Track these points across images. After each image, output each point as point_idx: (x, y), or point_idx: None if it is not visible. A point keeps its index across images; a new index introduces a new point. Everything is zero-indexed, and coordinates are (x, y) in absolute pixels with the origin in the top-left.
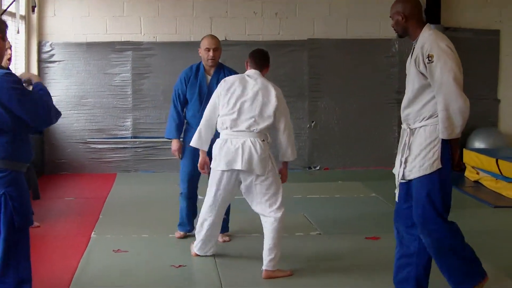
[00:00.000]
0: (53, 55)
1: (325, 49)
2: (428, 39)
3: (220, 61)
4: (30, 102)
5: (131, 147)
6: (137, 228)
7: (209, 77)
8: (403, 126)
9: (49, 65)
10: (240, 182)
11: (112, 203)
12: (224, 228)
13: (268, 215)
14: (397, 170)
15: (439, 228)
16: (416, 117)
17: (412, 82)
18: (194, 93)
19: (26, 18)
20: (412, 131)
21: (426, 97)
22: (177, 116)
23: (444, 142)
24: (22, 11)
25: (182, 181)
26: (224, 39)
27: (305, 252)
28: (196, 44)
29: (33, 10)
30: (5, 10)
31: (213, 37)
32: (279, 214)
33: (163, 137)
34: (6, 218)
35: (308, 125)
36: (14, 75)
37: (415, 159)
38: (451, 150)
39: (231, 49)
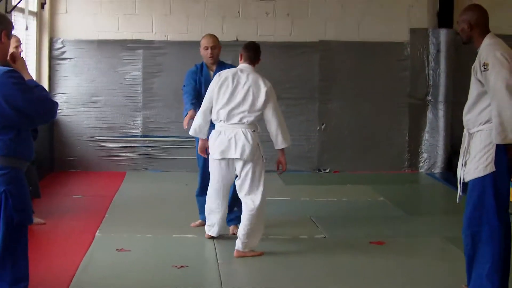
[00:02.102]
0: (64, 52)
1: (337, 51)
2: (485, 48)
3: (229, 62)
4: (34, 97)
5: (141, 146)
6: (142, 228)
7: (211, 73)
8: (464, 130)
9: (60, 62)
10: (235, 169)
11: (119, 201)
12: (234, 220)
13: (247, 200)
14: (459, 172)
15: (483, 232)
16: (474, 122)
17: (472, 89)
18: (201, 89)
19: (38, 15)
20: (471, 136)
21: (483, 104)
22: (190, 99)
23: (500, 147)
24: (33, 7)
25: (200, 175)
26: (235, 39)
27: (308, 255)
28: None
29: (42, 7)
30: (15, 6)
31: (211, 35)
32: (257, 202)
33: (173, 136)
34: (5, 216)
35: (318, 128)
36: (16, 71)
37: (471, 161)
38: (508, 154)
39: None
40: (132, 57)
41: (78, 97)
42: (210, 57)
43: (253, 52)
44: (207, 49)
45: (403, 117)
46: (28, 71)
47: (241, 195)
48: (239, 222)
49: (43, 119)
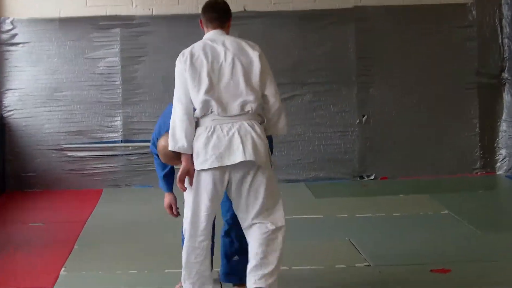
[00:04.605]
0: (15, 35)
1: (378, 20)
2: None
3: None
4: None
5: (122, 155)
6: (123, 262)
7: None
8: None
9: (10, 48)
10: (228, 184)
11: (93, 228)
12: (236, 274)
13: (262, 223)
14: None
15: None
16: None
17: None
18: None
19: None
20: None
21: None
22: (164, 164)
23: None
24: None
25: None
26: (242, 9)
27: None
28: None
29: None
30: None
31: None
32: (279, 222)
33: None
34: None
35: (357, 121)
36: None
37: None
38: None
39: (251, 23)
40: (107, 38)
41: (36, 93)
42: None
43: (220, 12)
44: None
45: (471, 102)
46: None
47: (246, 219)
48: (244, 276)
49: None
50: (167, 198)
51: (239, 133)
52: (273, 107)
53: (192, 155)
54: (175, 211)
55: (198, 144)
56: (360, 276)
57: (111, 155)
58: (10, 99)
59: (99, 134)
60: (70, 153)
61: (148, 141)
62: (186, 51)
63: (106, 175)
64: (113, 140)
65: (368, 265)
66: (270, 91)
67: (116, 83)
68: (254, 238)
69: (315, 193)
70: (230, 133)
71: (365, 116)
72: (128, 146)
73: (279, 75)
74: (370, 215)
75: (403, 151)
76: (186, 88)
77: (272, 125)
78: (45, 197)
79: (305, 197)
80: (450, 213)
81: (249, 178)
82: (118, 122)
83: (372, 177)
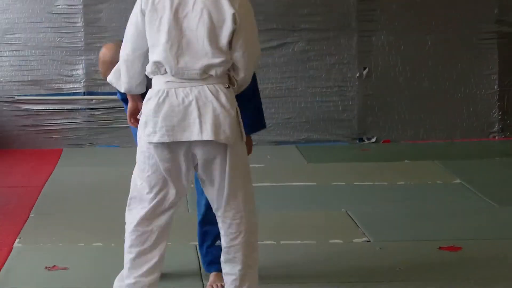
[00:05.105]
0: None
1: None
2: None
3: None
4: None
5: (85, 109)
6: (85, 234)
7: None
8: None
9: None
10: (194, 160)
11: (51, 194)
12: (216, 262)
13: (234, 219)
14: None
15: None
16: None
17: None
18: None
19: None
20: None
21: None
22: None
23: None
24: None
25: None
26: None
27: (343, 269)
28: None
29: None
30: None
31: None
32: (252, 218)
33: None
34: None
35: (357, 74)
36: None
37: None
38: None
39: None
40: None
41: None
42: None
43: None
44: None
45: (489, 54)
46: None
47: (217, 209)
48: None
49: None
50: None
51: (197, 102)
52: (241, 83)
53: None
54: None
55: (147, 111)
56: (357, 253)
57: (72, 109)
58: None
59: (58, 85)
60: (24, 106)
61: (115, 93)
62: None
63: (66, 133)
64: (74, 92)
65: (367, 241)
66: (238, 52)
67: (77, 25)
68: (227, 242)
69: (308, 157)
70: (186, 101)
71: (366, 69)
72: (92, 99)
73: (267, 19)
74: (371, 183)
75: (409, 111)
76: (141, 32)
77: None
78: None
79: (296, 161)
80: (462, 183)
81: (214, 159)
82: (80, 71)
83: (373, 140)
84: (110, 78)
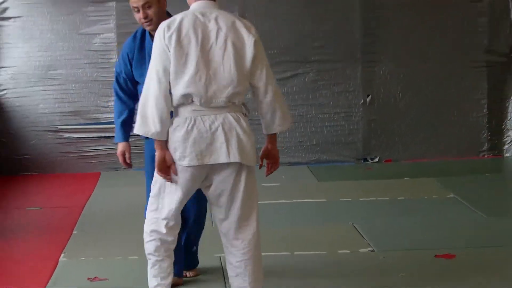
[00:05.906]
0: (6, 9)
1: None
2: None
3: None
4: None
5: None
6: (123, 248)
7: None
8: None
9: (1, 23)
10: (207, 180)
11: (91, 213)
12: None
13: (241, 235)
14: None
15: None
16: None
17: None
18: (143, 70)
19: None
20: None
21: None
22: (123, 109)
23: None
24: None
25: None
26: None
27: (350, 276)
28: None
29: None
30: None
31: None
32: (254, 233)
33: None
34: None
35: (361, 101)
36: None
37: None
38: None
39: None
40: (102, 12)
41: (30, 71)
42: (144, 22)
43: None
44: (137, 11)
45: (479, 81)
46: None
47: (223, 224)
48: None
49: None
50: (121, 146)
51: (223, 128)
52: (265, 100)
53: (166, 141)
54: (128, 159)
55: (176, 138)
56: (363, 262)
57: (108, 136)
58: (2, 77)
59: (95, 115)
60: (66, 135)
61: None
62: (172, 25)
63: (103, 158)
64: (110, 121)
65: (372, 250)
66: (262, 82)
67: (112, 60)
68: (234, 258)
69: (318, 176)
70: (213, 128)
71: (370, 96)
72: None
73: (281, 53)
74: (374, 199)
75: (408, 133)
76: (167, 69)
77: (267, 122)
78: (41, 181)
79: (308, 180)
80: (456, 197)
81: (236, 181)
82: None
83: (376, 159)
84: (139, 132)
